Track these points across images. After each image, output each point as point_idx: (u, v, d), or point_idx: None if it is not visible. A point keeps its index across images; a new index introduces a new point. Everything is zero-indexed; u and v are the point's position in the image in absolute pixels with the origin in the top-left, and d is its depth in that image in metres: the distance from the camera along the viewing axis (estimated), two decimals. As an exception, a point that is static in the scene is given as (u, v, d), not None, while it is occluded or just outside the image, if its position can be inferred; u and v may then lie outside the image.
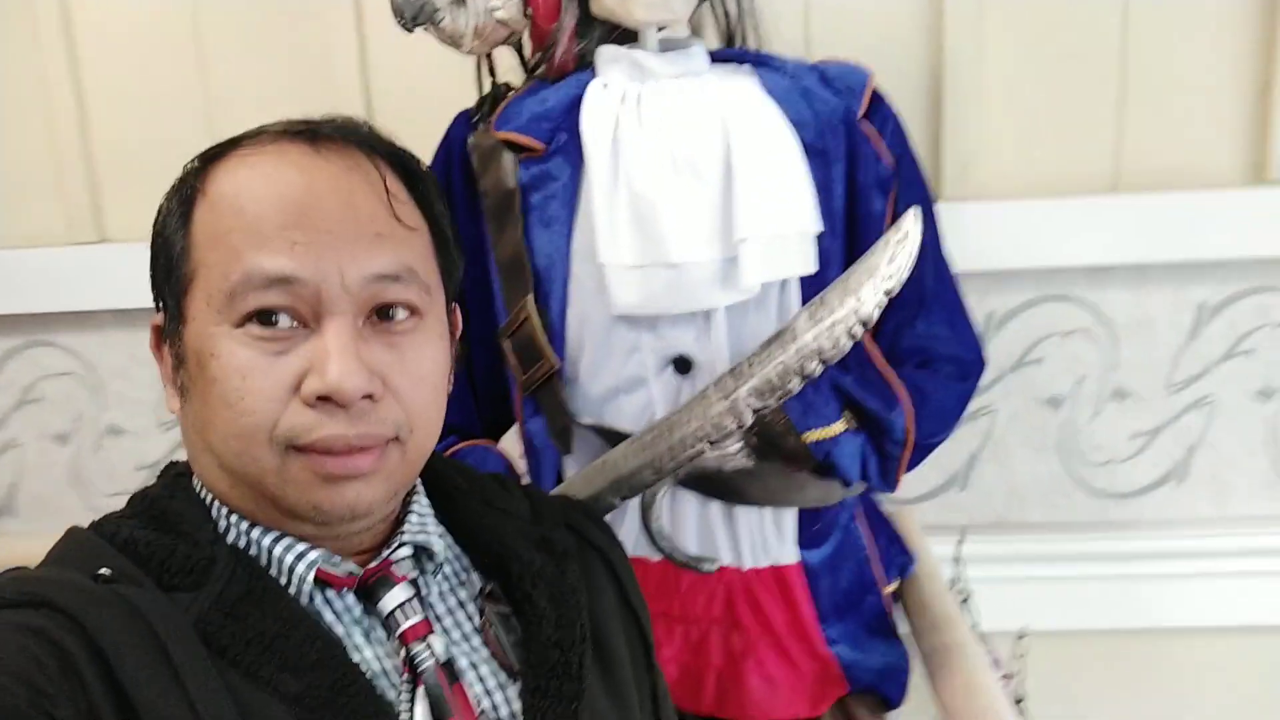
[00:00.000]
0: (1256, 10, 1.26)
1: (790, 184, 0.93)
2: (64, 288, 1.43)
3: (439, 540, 0.68)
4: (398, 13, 0.86)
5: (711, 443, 0.86)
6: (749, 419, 0.84)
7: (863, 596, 1.06)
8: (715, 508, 0.98)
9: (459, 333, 0.71)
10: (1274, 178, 1.29)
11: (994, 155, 1.33)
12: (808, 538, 1.02)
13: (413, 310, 0.63)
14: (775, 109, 0.94)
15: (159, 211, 0.64)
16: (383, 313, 0.62)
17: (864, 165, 0.98)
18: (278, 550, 0.62)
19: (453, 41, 0.92)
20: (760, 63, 1.00)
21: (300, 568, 0.61)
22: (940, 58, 1.30)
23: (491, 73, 1.03)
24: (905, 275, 0.82)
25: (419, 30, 0.89)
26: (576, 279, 0.95)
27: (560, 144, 0.94)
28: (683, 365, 0.94)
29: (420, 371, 0.63)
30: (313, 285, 0.58)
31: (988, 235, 1.30)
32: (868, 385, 0.93)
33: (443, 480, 0.72)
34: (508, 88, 1.03)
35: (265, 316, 0.59)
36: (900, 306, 1.00)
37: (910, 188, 1.01)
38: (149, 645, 0.54)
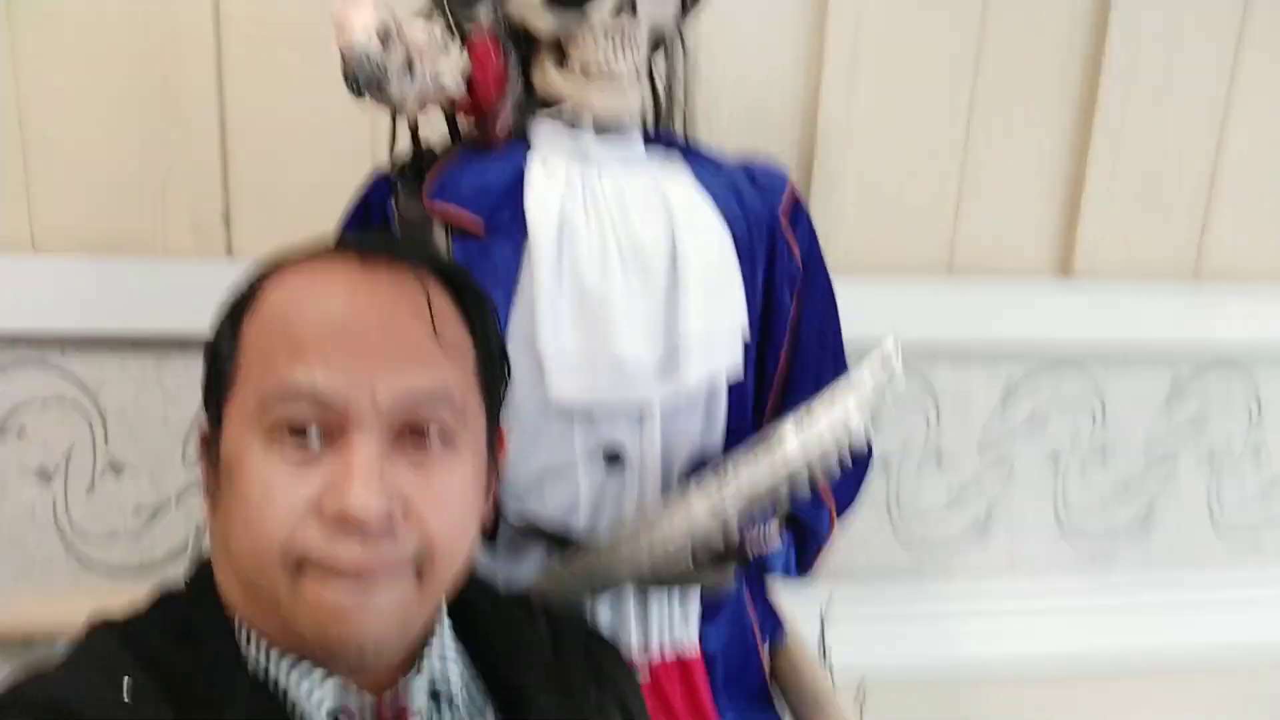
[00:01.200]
0: (1072, 116, 1.44)
1: (725, 281, 0.95)
2: None
3: (456, 676, 0.66)
4: (349, 79, 0.80)
5: (695, 542, 0.86)
6: (734, 524, 0.86)
7: (746, 666, 1.10)
8: (629, 598, 0.99)
9: (504, 453, 0.69)
10: (1077, 269, 1.48)
11: (847, 233, 1.42)
12: (703, 612, 1.05)
13: (445, 431, 0.61)
14: (712, 205, 0.96)
15: (214, 320, 0.63)
16: (414, 432, 0.60)
17: (780, 262, 1.02)
18: (294, 683, 0.60)
19: (395, 106, 0.87)
20: (689, 152, 1.02)
21: (315, 707, 0.60)
22: (812, 140, 1.37)
23: (414, 133, 0.97)
24: (890, 398, 0.87)
25: (364, 97, 0.83)
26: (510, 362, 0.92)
27: (500, 222, 0.91)
28: (614, 458, 0.94)
29: (446, 498, 0.61)
30: (342, 400, 0.57)
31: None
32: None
33: (466, 600, 0.70)
34: (432, 152, 0.98)
35: (295, 429, 0.57)
36: (797, 396, 1.05)
37: (816, 285, 1.06)
38: None
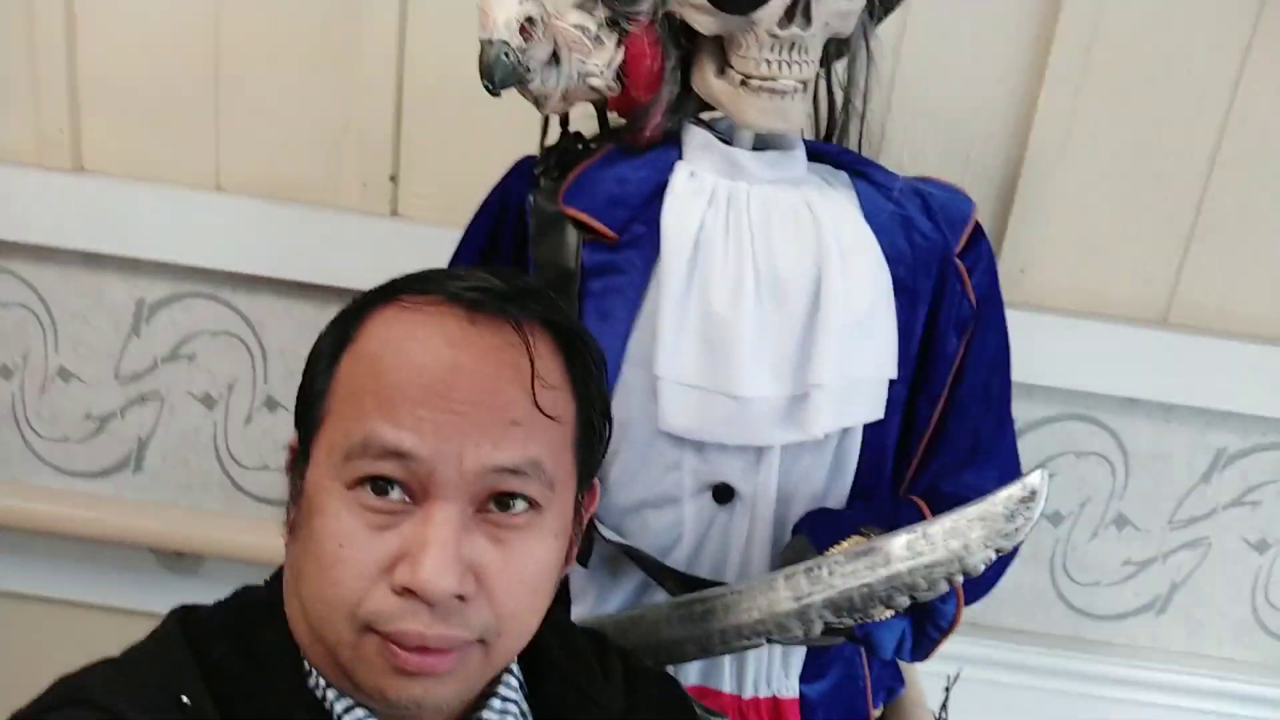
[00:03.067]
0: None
1: (875, 325, 0.85)
2: (30, 214, 1.29)
3: None
4: (486, 73, 0.75)
5: (769, 640, 0.79)
6: (818, 630, 0.78)
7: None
8: (726, 636, 0.93)
9: (590, 513, 0.67)
10: (1318, 341, 1.26)
11: (1053, 265, 1.27)
12: (810, 668, 0.98)
13: (532, 503, 0.58)
14: (873, 240, 0.86)
15: (318, 338, 0.62)
16: (500, 502, 0.57)
17: (948, 305, 0.91)
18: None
19: (537, 101, 0.82)
20: (860, 171, 0.91)
21: None
22: (1020, 155, 1.22)
23: (563, 124, 0.92)
24: (1023, 539, 0.76)
25: (501, 92, 0.78)
26: (625, 382, 0.86)
27: (635, 236, 0.85)
28: (723, 494, 0.87)
29: (524, 574, 0.58)
30: (429, 465, 0.55)
31: (1031, 345, 1.25)
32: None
33: (541, 649, 0.67)
34: (579, 139, 0.92)
35: (378, 485, 0.56)
36: (949, 450, 0.94)
37: (989, 330, 0.94)
38: None
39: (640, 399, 0.86)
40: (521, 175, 0.92)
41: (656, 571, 0.88)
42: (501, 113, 1.20)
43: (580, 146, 0.92)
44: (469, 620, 0.56)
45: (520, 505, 0.58)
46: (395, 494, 0.56)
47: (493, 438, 0.56)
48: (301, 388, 0.62)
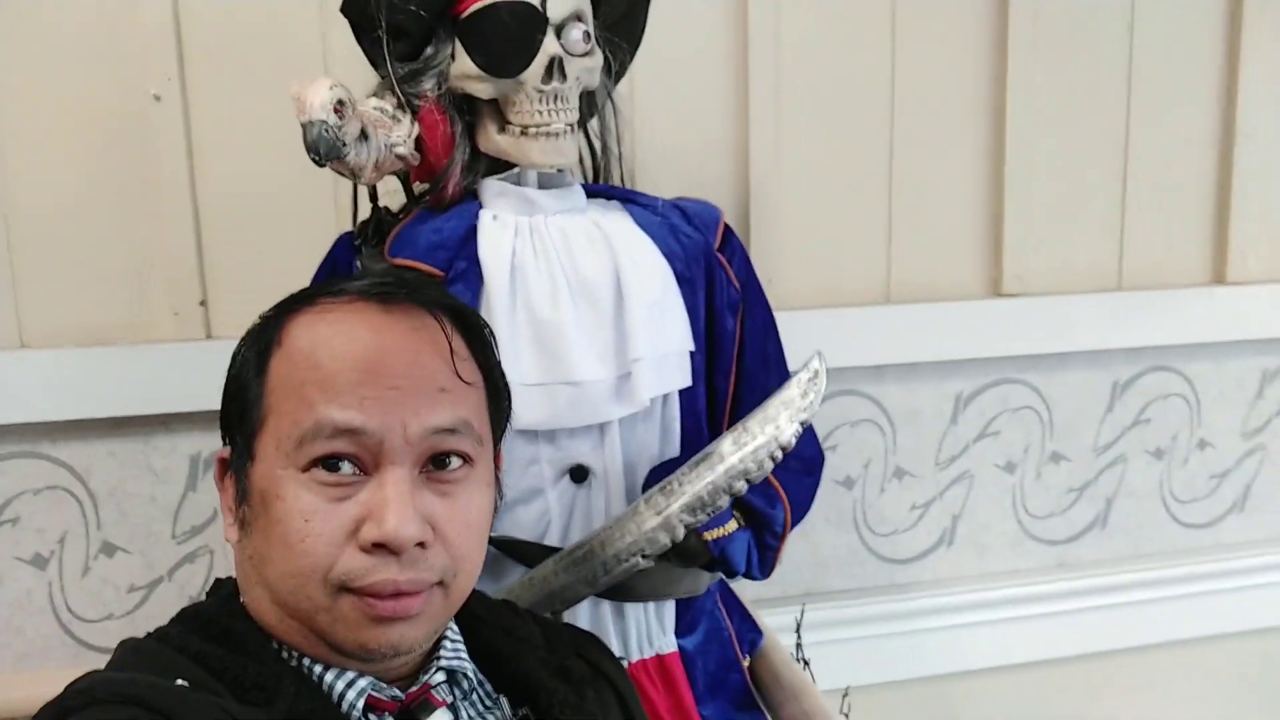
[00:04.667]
0: (989, 150, 1.55)
1: (669, 307, 1.04)
2: None
3: (470, 666, 0.71)
4: (311, 149, 0.89)
5: (644, 556, 0.93)
6: (681, 534, 0.94)
7: (728, 675, 1.16)
8: (606, 606, 1.05)
9: (500, 472, 0.76)
10: (1006, 291, 1.58)
11: (792, 270, 1.52)
12: (681, 626, 1.11)
13: (465, 459, 0.68)
14: (651, 243, 1.05)
15: (234, 356, 0.69)
16: (437, 461, 0.66)
17: (719, 291, 1.11)
18: (329, 678, 0.65)
19: (353, 174, 0.96)
20: (627, 199, 1.12)
21: (351, 694, 0.65)
22: (746, 192, 1.48)
23: (373, 198, 1.06)
24: (817, 409, 0.95)
25: (326, 165, 0.92)
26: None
27: (459, 271, 0.99)
28: (579, 475, 1.01)
29: (468, 518, 0.67)
30: (377, 436, 0.63)
31: (789, 340, 1.48)
32: (754, 487, 1.05)
33: (468, 609, 0.75)
34: (389, 212, 1.07)
35: (330, 463, 0.63)
36: (748, 405, 1.13)
37: (755, 308, 1.15)
38: None
39: (491, 409, 0.99)
40: (344, 248, 1.05)
41: (538, 555, 1.00)
42: (297, 219, 1.34)
43: (390, 215, 1.06)
44: (431, 564, 0.65)
45: (456, 462, 0.67)
46: (347, 468, 0.63)
47: (428, 404, 0.65)
48: (229, 400, 0.69)
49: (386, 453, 0.64)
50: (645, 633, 1.07)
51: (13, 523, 1.34)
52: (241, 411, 0.67)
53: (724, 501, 0.94)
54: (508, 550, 1.01)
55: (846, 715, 1.36)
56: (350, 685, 0.65)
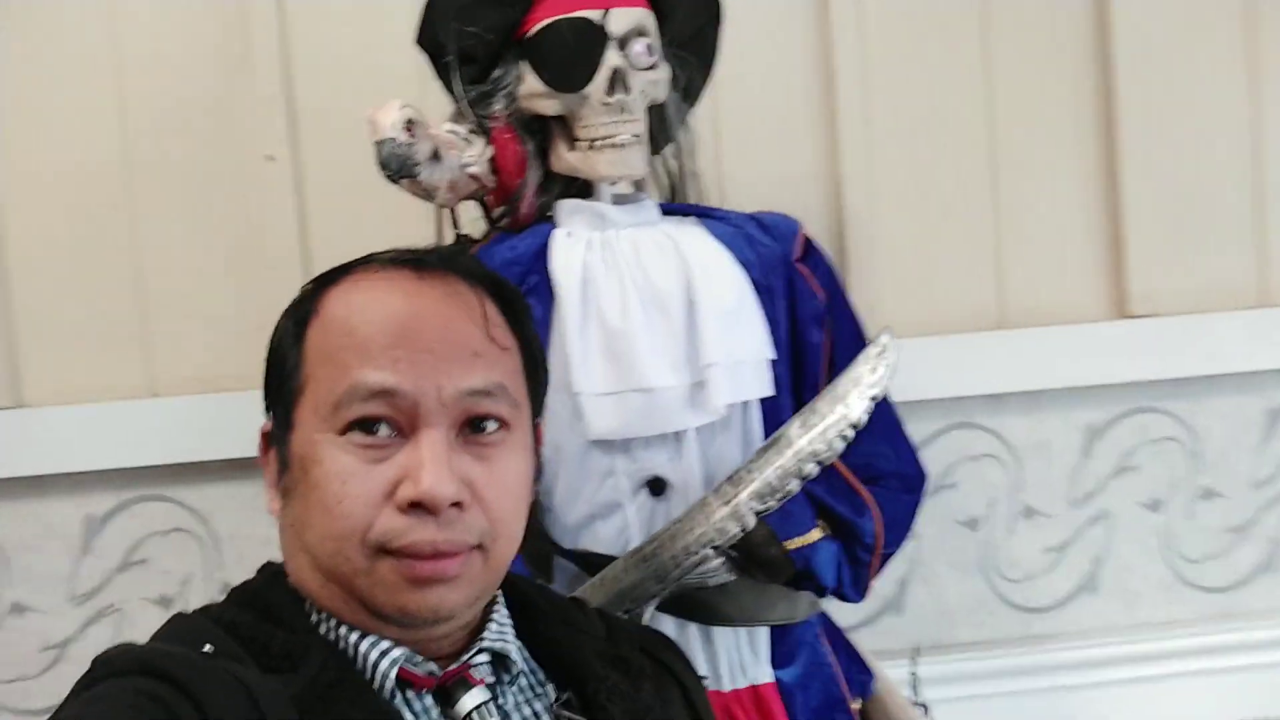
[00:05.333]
0: (1101, 167, 1.47)
1: (745, 315, 1.02)
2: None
3: (516, 650, 0.70)
4: (384, 166, 0.93)
5: (715, 548, 0.90)
6: (751, 522, 0.89)
7: (833, 715, 1.08)
8: (693, 630, 1.01)
9: (542, 445, 0.76)
10: (1133, 311, 1.47)
11: (894, 297, 1.47)
12: (779, 656, 1.05)
13: (502, 423, 0.67)
14: (726, 252, 1.04)
15: (275, 329, 0.70)
16: (474, 425, 0.66)
17: (802, 302, 1.08)
18: (364, 646, 0.64)
19: (427, 194, 0.99)
20: (703, 214, 1.11)
21: (384, 664, 0.64)
22: (840, 221, 1.45)
23: (455, 224, 1.10)
24: (888, 383, 0.91)
25: (401, 183, 0.96)
26: (549, 410, 0.99)
27: (531, 285, 1.01)
28: (657, 487, 0.99)
29: (506, 482, 0.67)
30: (411, 398, 0.63)
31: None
32: (837, 494, 1.00)
33: (525, 598, 0.74)
34: (469, 239, 1.10)
35: (366, 426, 0.63)
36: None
37: (842, 319, 1.11)
38: (252, 718, 0.57)
39: (567, 420, 0.98)
40: (426, 273, 1.08)
41: (617, 569, 0.97)
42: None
43: (472, 242, 1.09)
44: (470, 525, 0.64)
45: (493, 425, 0.66)
46: (383, 431, 0.63)
47: (462, 366, 0.65)
48: (269, 373, 0.70)
49: (422, 415, 0.64)
50: (737, 660, 1.02)
51: (141, 564, 1.41)
52: (280, 381, 0.68)
53: (794, 486, 0.90)
54: (586, 564, 0.98)
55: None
56: (385, 655, 0.64)
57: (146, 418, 1.38)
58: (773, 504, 0.91)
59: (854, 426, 0.90)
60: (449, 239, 1.10)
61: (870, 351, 0.93)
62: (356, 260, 0.72)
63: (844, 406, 0.90)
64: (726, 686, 1.01)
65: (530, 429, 0.72)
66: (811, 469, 0.90)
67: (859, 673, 1.15)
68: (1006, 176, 1.47)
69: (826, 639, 1.12)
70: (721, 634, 1.01)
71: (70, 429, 1.37)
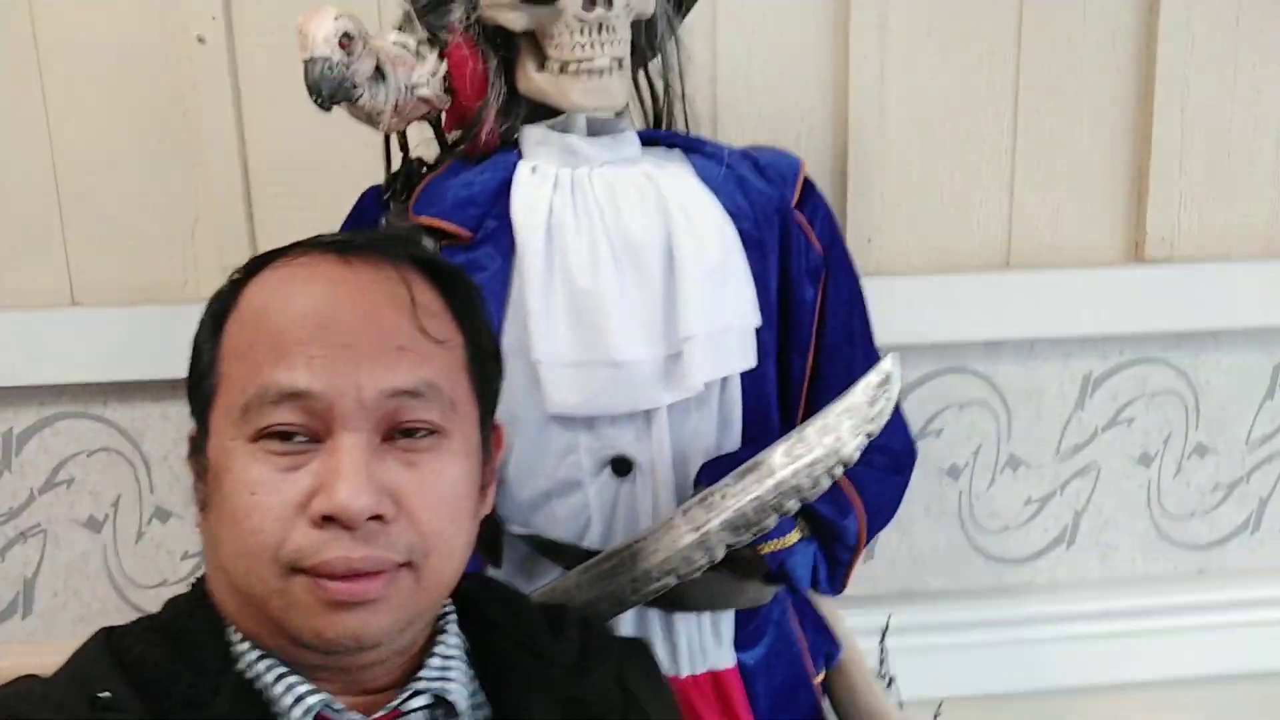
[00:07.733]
0: (1132, 98, 1.33)
1: (731, 278, 0.89)
2: None
3: (462, 690, 0.62)
4: (314, 89, 0.78)
5: (679, 577, 0.81)
6: (720, 554, 0.80)
7: (796, 692, 1.03)
8: (653, 615, 0.93)
9: (501, 449, 0.68)
10: (1150, 256, 1.36)
11: (895, 230, 1.35)
12: (743, 637, 0.98)
13: (434, 429, 0.59)
14: (713, 199, 0.90)
15: (200, 323, 0.63)
16: (403, 429, 0.58)
17: (796, 254, 0.96)
18: (278, 690, 0.57)
19: (370, 119, 0.85)
20: (691, 147, 0.97)
21: (298, 712, 0.57)
22: (845, 136, 1.31)
23: (404, 148, 0.95)
24: (886, 420, 0.80)
25: (335, 108, 0.81)
26: (505, 376, 0.88)
27: (489, 231, 0.87)
28: (622, 467, 0.89)
29: (439, 491, 0.59)
30: (326, 400, 0.56)
31: (891, 308, 1.31)
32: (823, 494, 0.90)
33: (481, 614, 0.67)
34: (421, 164, 0.95)
35: (280, 432, 0.56)
36: (827, 391, 0.97)
37: (840, 275, 0.99)
38: None
39: (524, 389, 0.87)
40: (370, 202, 0.95)
41: (574, 557, 0.88)
42: (352, 171, 1.24)
43: (423, 169, 0.95)
44: (393, 541, 0.57)
45: (423, 430, 0.59)
46: (298, 438, 0.57)
47: (384, 363, 0.58)
48: (190, 373, 0.62)
49: (338, 417, 0.57)
50: (698, 645, 0.95)
51: (67, 484, 1.31)
52: (198, 380, 0.61)
53: (771, 521, 0.80)
54: (542, 550, 0.90)
55: (940, 732, 1.21)
56: (299, 701, 0.57)
57: (68, 329, 1.25)
58: (746, 537, 0.81)
59: (843, 464, 0.80)
60: (397, 164, 0.96)
61: (871, 379, 0.81)
62: (288, 246, 0.63)
63: (835, 440, 0.79)
64: (685, 672, 0.95)
65: (477, 430, 0.64)
66: (792, 505, 0.80)
67: (825, 643, 1.09)
68: (1029, 100, 1.32)
69: (795, 612, 1.05)
70: (683, 618, 0.94)
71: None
